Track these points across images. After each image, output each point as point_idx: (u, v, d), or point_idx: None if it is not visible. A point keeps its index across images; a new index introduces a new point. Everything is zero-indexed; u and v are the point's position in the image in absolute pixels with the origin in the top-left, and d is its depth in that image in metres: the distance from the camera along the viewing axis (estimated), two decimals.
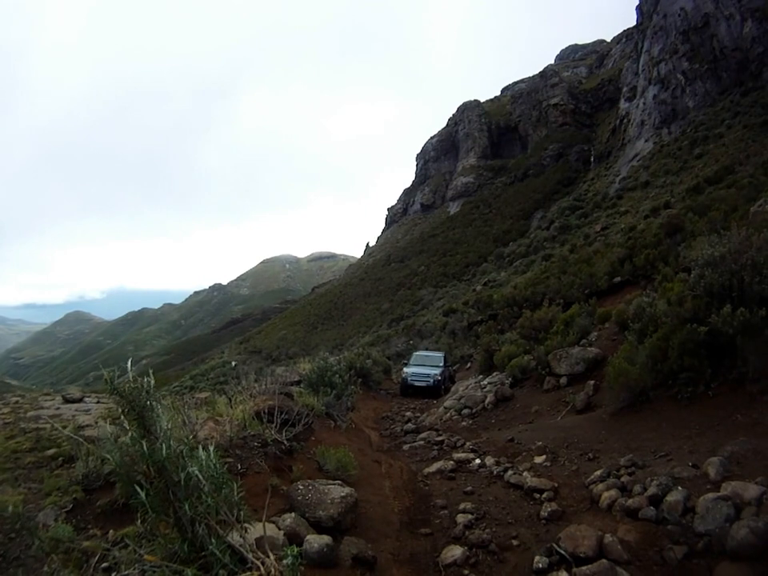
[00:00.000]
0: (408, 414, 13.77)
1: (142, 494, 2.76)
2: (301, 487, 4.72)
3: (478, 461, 7.20)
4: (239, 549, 3.01)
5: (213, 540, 2.87)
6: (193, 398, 14.97)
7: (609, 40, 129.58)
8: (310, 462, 5.75)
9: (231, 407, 7.90)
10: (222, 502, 3.03)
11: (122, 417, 2.96)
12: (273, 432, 5.78)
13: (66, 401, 16.22)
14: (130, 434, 2.93)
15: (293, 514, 4.28)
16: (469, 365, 21.42)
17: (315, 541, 3.92)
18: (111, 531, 3.88)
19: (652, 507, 4.42)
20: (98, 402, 16.92)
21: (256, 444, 5.48)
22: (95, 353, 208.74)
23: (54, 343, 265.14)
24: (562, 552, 4.09)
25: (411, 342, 32.09)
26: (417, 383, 17.71)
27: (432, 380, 17.51)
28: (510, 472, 6.39)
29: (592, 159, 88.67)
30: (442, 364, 18.70)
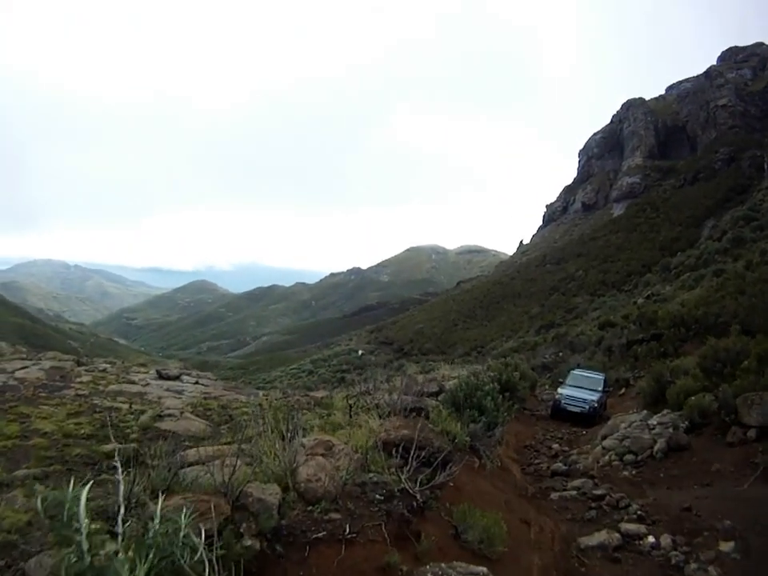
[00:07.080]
0: (555, 446, 12.39)
1: None
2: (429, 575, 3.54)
3: (651, 539, 5.90)
4: None
5: None
6: (305, 395, 13.40)
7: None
8: (443, 523, 4.52)
9: (350, 416, 6.87)
10: None
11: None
12: (403, 478, 4.41)
13: (161, 377, 14.90)
14: None
15: None
16: (623, 390, 19.24)
17: None
18: None
19: None
20: (195, 383, 15.10)
21: (378, 496, 4.26)
22: (214, 323, 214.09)
23: (172, 309, 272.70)
24: None
25: (560, 353, 30.13)
26: (570, 408, 16.15)
27: (588, 406, 15.86)
28: (692, 564, 5.13)
29: (766, 166, 79.18)
30: (601, 388, 16.88)
